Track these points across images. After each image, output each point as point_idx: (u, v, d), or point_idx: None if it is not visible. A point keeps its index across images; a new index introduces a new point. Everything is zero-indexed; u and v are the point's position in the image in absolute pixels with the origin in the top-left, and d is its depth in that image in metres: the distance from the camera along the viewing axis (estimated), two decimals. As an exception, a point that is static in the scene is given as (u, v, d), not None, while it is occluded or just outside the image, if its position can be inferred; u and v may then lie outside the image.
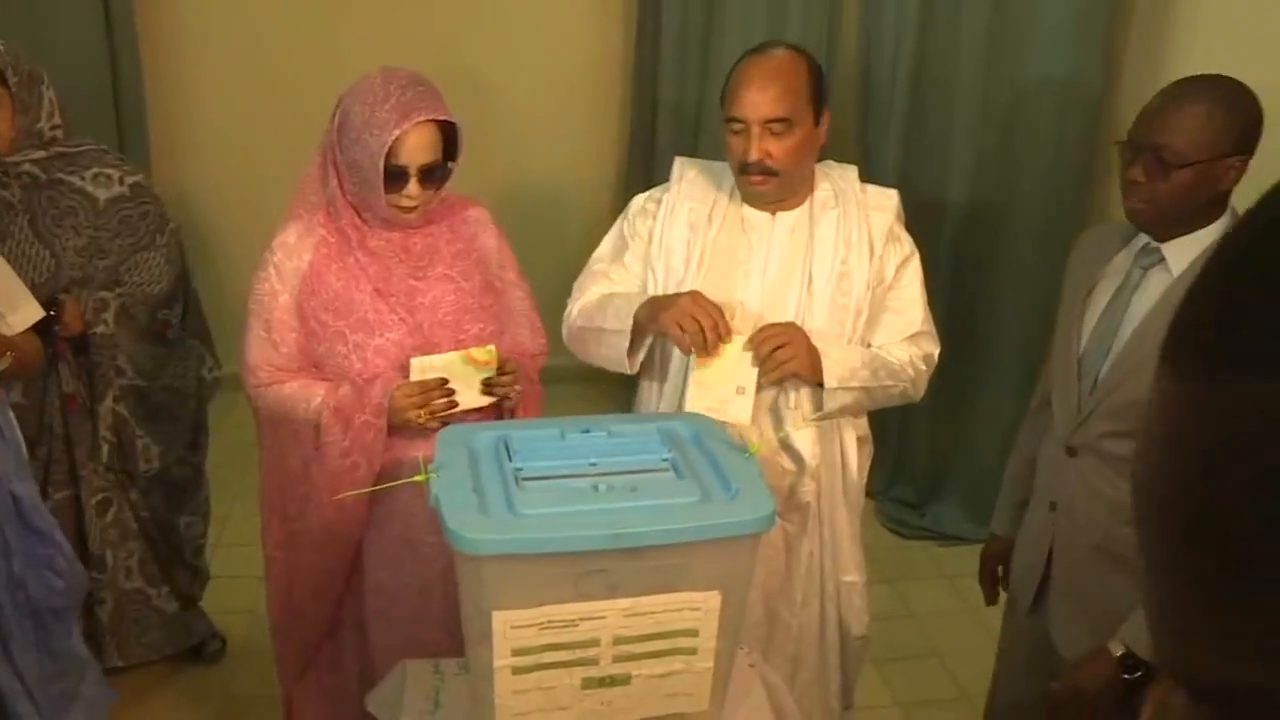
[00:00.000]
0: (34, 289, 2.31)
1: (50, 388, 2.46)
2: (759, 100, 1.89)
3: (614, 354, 2.05)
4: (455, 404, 1.95)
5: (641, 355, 2.06)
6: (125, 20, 3.69)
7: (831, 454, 2.08)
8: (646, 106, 3.97)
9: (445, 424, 1.79)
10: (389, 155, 1.86)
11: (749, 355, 1.89)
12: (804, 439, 2.04)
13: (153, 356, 2.58)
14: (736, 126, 1.92)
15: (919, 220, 2.11)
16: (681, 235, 2.04)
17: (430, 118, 1.89)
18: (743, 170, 1.94)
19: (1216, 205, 1.73)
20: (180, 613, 2.80)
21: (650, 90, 3.92)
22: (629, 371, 2.08)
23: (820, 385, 1.96)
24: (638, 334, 2.01)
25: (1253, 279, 0.38)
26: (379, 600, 2.11)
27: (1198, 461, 0.39)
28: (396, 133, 1.85)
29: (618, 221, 2.16)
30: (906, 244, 2.08)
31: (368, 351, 1.97)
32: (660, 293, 2.03)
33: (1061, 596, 1.99)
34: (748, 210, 2.03)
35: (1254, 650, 0.38)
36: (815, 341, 1.95)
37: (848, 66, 3.58)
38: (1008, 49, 3.39)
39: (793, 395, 2.01)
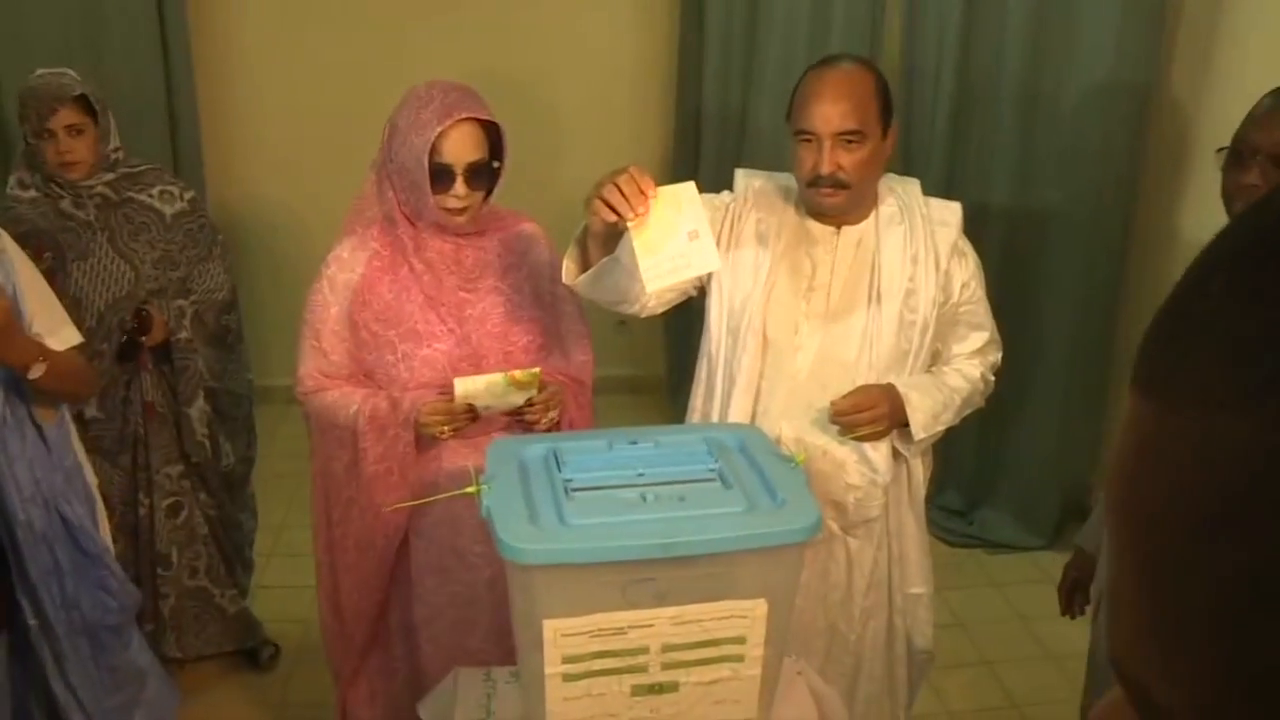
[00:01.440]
0: (116, 302, 2.48)
1: (133, 398, 2.58)
2: (831, 113, 1.88)
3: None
4: (476, 418, 2.00)
5: (584, 269, 1.91)
6: (180, 41, 3.79)
7: (899, 466, 2.09)
8: (690, 114, 3.99)
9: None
10: (434, 154, 1.91)
11: (690, 198, 1.72)
12: (880, 452, 2.03)
13: (220, 360, 2.72)
14: (807, 139, 1.91)
15: (965, 228, 2.11)
16: (750, 247, 2.03)
17: (472, 115, 1.94)
18: (813, 183, 1.93)
19: None
20: (240, 613, 2.89)
21: (694, 99, 3.94)
22: (567, 280, 1.94)
23: (905, 425, 1.98)
24: (588, 244, 1.90)
25: (1214, 304, 0.37)
26: (426, 608, 2.14)
27: (1147, 487, 0.38)
28: (439, 129, 1.90)
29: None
30: (971, 257, 2.09)
31: (415, 361, 2.02)
32: (727, 307, 2.03)
33: (1107, 604, 1.98)
34: (812, 224, 2.03)
35: (1190, 674, 0.37)
36: (898, 387, 1.97)
37: (891, 72, 3.57)
38: (1052, 53, 3.37)
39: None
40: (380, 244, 2.04)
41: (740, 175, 2.14)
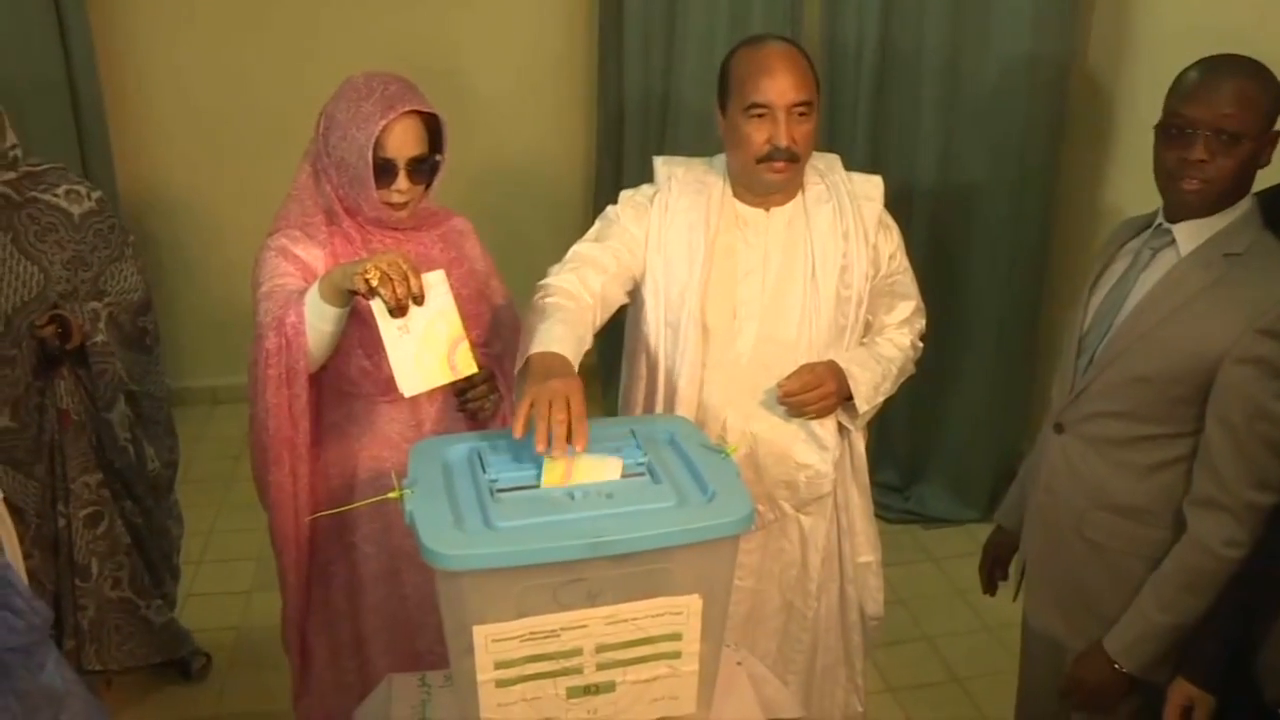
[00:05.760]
0: (25, 305, 2.37)
1: (47, 405, 2.48)
2: (785, 85, 1.87)
3: None
4: (414, 290, 1.66)
5: None
6: (81, 29, 3.63)
7: (842, 440, 2.11)
8: (613, 103, 3.94)
9: (400, 306, 1.63)
10: (376, 148, 1.85)
11: (615, 465, 1.51)
12: (828, 429, 2.06)
13: (138, 362, 2.62)
14: (760, 112, 1.89)
15: (891, 206, 2.11)
16: (681, 237, 2.00)
17: (414, 108, 1.88)
18: (768, 157, 1.91)
19: (1248, 184, 1.71)
20: (167, 624, 2.81)
21: (616, 81, 3.90)
22: None
23: (848, 399, 2.00)
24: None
25: None
26: (378, 617, 2.09)
27: None
28: (383, 123, 1.84)
29: (602, 219, 2.07)
30: (895, 229, 2.11)
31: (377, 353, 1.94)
32: (664, 299, 2.01)
33: (1035, 571, 2.00)
34: (741, 207, 2.02)
35: None
36: (840, 363, 1.99)
37: (812, 48, 3.56)
38: (971, 32, 3.38)
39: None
40: (330, 234, 1.96)
41: (660, 164, 2.10)
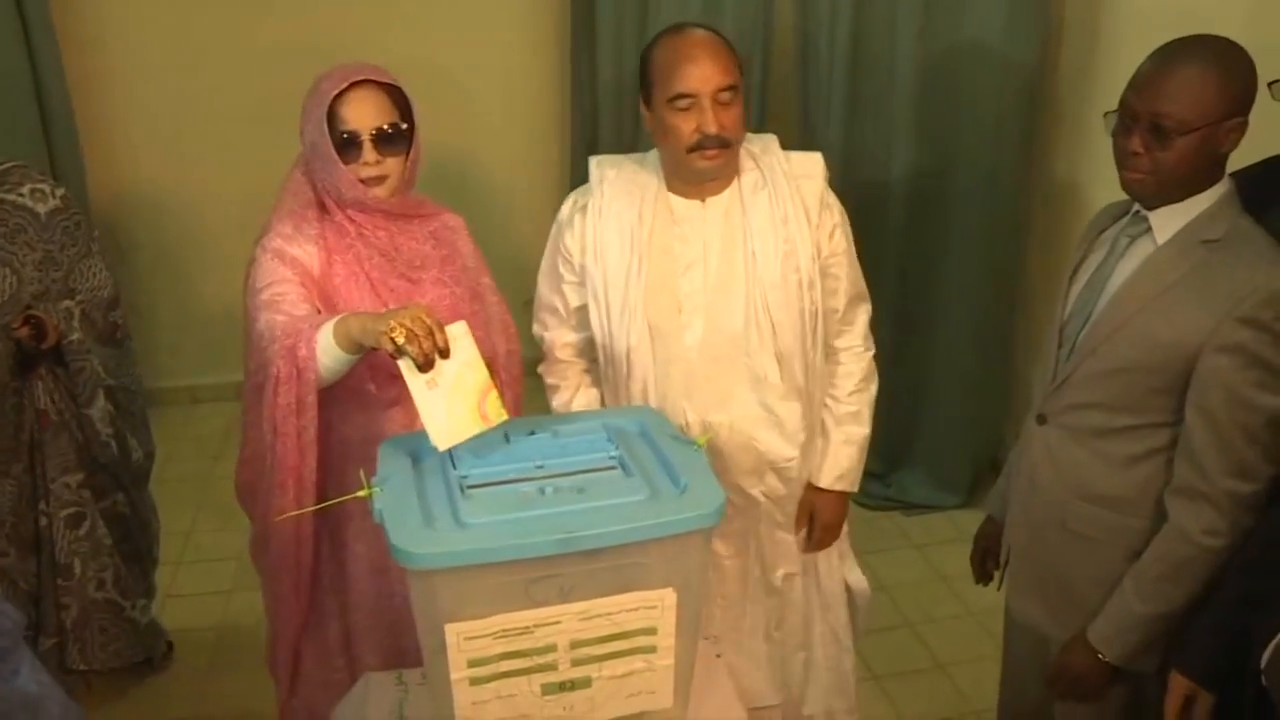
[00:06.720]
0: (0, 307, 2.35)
1: (25, 405, 2.47)
2: (708, 72, 1.85)
3: None
4: (440, 345, 1.55)
5: None
6: (42, 20, 3.53)
7: (812, 420, 2.11)
8: (586, 95, 3.92)
9: (427, 361, 1.54)
10: (338, 121, 1.83)
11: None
12: (793, 414, 2.05)
13: (111, 357, 2.61)
14: (685, 103, 1.87)
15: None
16: (614, 241, 1.99)
17: (370, 77, 1.86)
18: (698, 147, 1.89)
19: (1214, 171, 1.68)
20: (150, 623, 2.81)
21: (590, 79, 3.87)
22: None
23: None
24: None
25: None
26: (367, 615, 2.07)
27: None
28: (334, 91, 1.82)
29: (550, 241, 2.11)
30: (836, 207, 2.08)
31: (384, 383, 1.92)
32: (605, 301, 2.01)
33: (1017, 560, 2.00)
34: (675, 200, 2.00)
35: None
36: (825, 484, 2.14)
37: (785, 43, 3.55)
38: (944, 18, 3.36)
39: (767, 370, 2.02)
40: (323, 228, 1.93)
41: (594, 165, 2.09)
